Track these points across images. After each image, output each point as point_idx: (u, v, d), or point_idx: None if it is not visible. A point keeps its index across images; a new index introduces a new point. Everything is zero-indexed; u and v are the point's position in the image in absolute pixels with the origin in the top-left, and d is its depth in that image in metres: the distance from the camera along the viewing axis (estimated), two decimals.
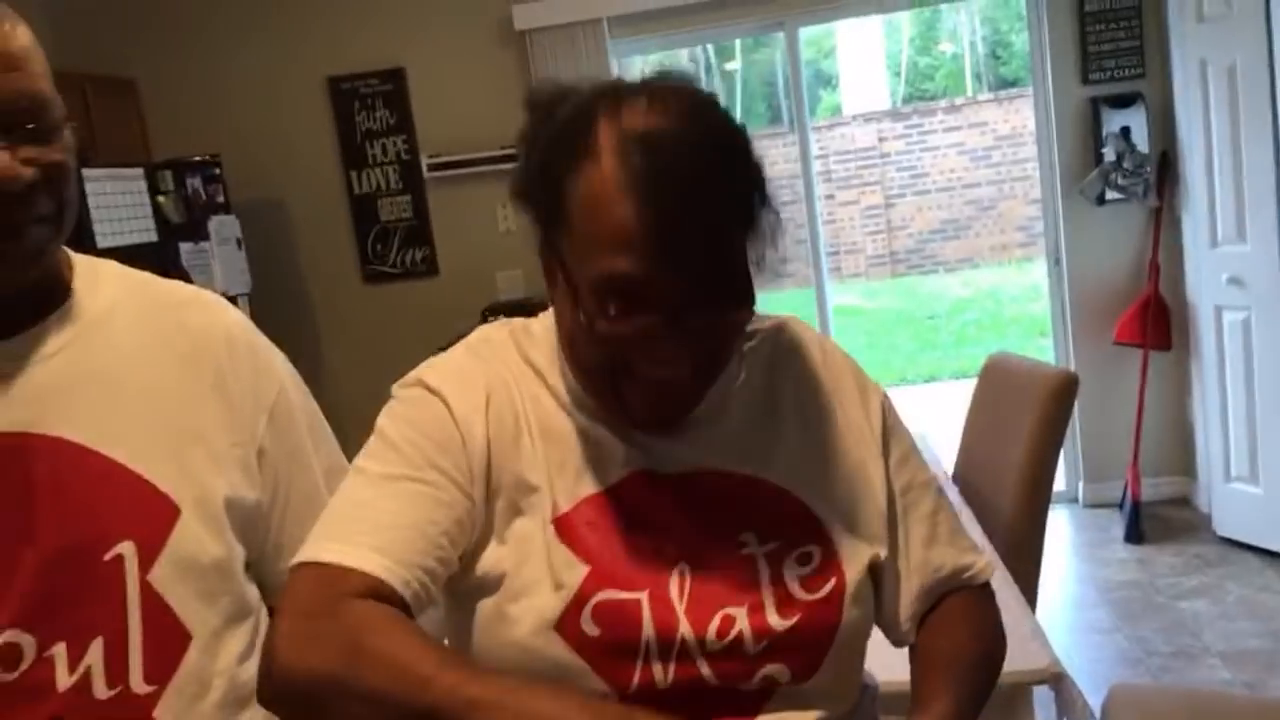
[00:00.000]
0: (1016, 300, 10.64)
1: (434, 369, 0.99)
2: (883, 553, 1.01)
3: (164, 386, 1.01)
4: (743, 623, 0.92)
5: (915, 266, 12.37)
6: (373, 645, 0.79)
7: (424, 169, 4.50)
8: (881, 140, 12.24)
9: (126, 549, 0.95)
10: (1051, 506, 2.55)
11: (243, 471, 1.03)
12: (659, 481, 0.96)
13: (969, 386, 3.05)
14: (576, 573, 0.91)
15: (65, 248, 1.05)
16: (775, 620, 0.93)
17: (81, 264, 1.05)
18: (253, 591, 1.05)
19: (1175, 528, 4.27)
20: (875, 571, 1.01)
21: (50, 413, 0.96)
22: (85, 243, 3.25)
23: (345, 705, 0.78)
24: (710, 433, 0.99)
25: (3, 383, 0.96)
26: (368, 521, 0.88)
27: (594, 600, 0.90)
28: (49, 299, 1.01)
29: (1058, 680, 1.88)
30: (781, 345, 1.07)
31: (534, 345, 1.02)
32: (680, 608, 0.91)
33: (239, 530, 1.01)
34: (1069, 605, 3.73)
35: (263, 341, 1.11)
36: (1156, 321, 4.24)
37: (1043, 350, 4.45)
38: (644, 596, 0.91)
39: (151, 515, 0.97)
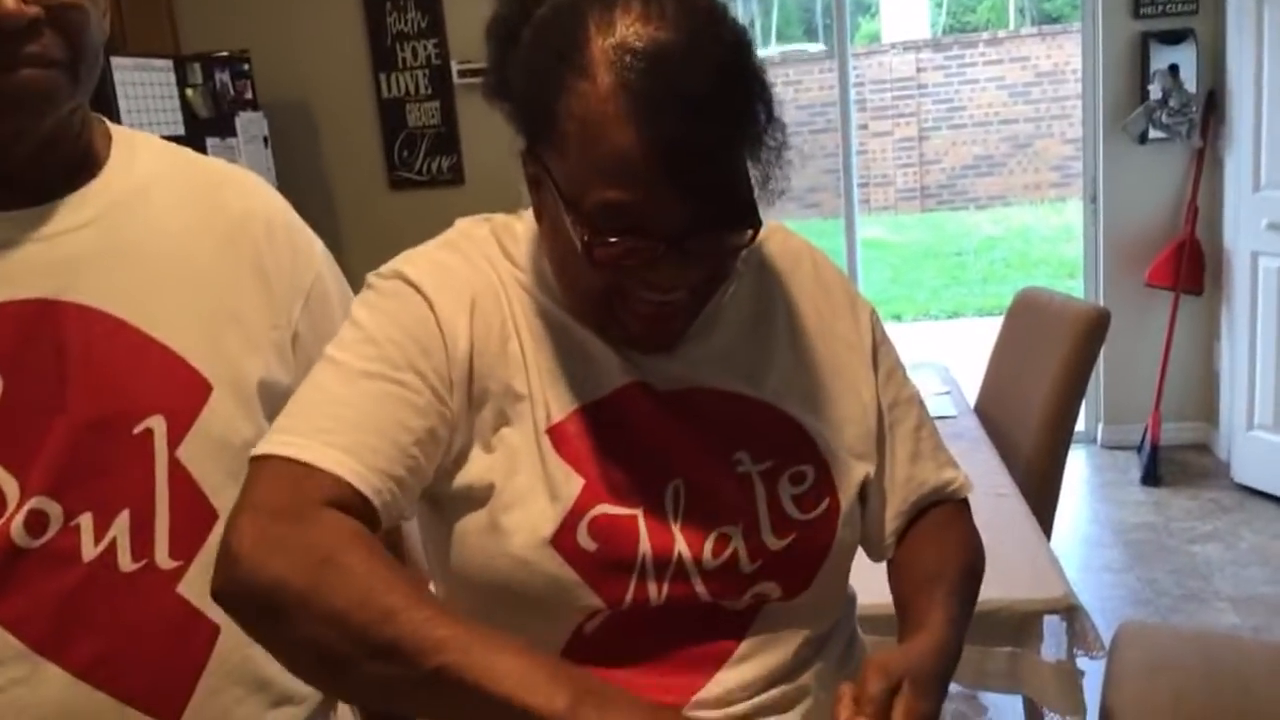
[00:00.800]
0: (1047, 240, 10.50)
1: (415, 263, 0.93)
2: (871, 471, 1.00)
3: (201, 265, 1.00)
4: (738, 542, 0.91)
5: (945, 202, 12.21)
6: (341, 564, 0.74)
7: (454, 75, 4.43)
8: (920, 71, 12.00)
9: (156, 423, 0.94)
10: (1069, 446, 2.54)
11: (278, 355, 1.02)
12: (654, 397, 0.93)
13: (993, 324, 3.02)
14: (573, 485, 0.89)
15: (104, 120, 1.03)
16: (771, 540, 0.92)
17: (120, 136, 1.03)
18: None
19: (1193, 473, 4.26)
20: (864, 489, 1.00)
21: (82, 282, 0.95)
22: None
23: (304, 622, 0.74)
24: (703, 349, 0.96)
25: (33, 249, 0.94)
26: (340, 420, 0.84)
27: (590, 514, 0.88)
28: (82, 168, 0.99)
29: (1071, 611, 1.88)
30: (771, 255, 1.03)
31: (518, 246, 0.96)
32: (675, 527, 0.90)
33: (270, 414, 1.00)
34: (1082, 544, 3.73)
35: (300, 225, 1.10)
36: (1190, 265, 4.18)
37: (1070, 290, 4.40)
38: (639, 514, 0.89)
39: (183, 391, 0.96)
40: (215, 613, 0.95)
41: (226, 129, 3.82)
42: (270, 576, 0.75)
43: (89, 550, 0.92)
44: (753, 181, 0.86)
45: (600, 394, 0.92)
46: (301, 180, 4.43)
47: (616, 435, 0.91)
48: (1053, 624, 1.89)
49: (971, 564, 1.03)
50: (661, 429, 0.93)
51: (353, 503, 0.81)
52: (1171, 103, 4.13)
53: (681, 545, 0.90)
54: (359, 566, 0.75)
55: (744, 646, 0.92)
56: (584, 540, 0.88)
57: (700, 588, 0.90)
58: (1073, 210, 6.65)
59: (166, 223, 1.00)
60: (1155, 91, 4.16)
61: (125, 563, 0.94)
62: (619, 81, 0.79)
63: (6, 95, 0.88)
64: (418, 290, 0.90)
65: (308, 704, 1.05)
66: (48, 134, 0.94)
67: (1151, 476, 4.17)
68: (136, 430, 0.94)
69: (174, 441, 0.95)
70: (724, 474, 0.93)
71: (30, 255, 0.94)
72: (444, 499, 0.92)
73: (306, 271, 1.07)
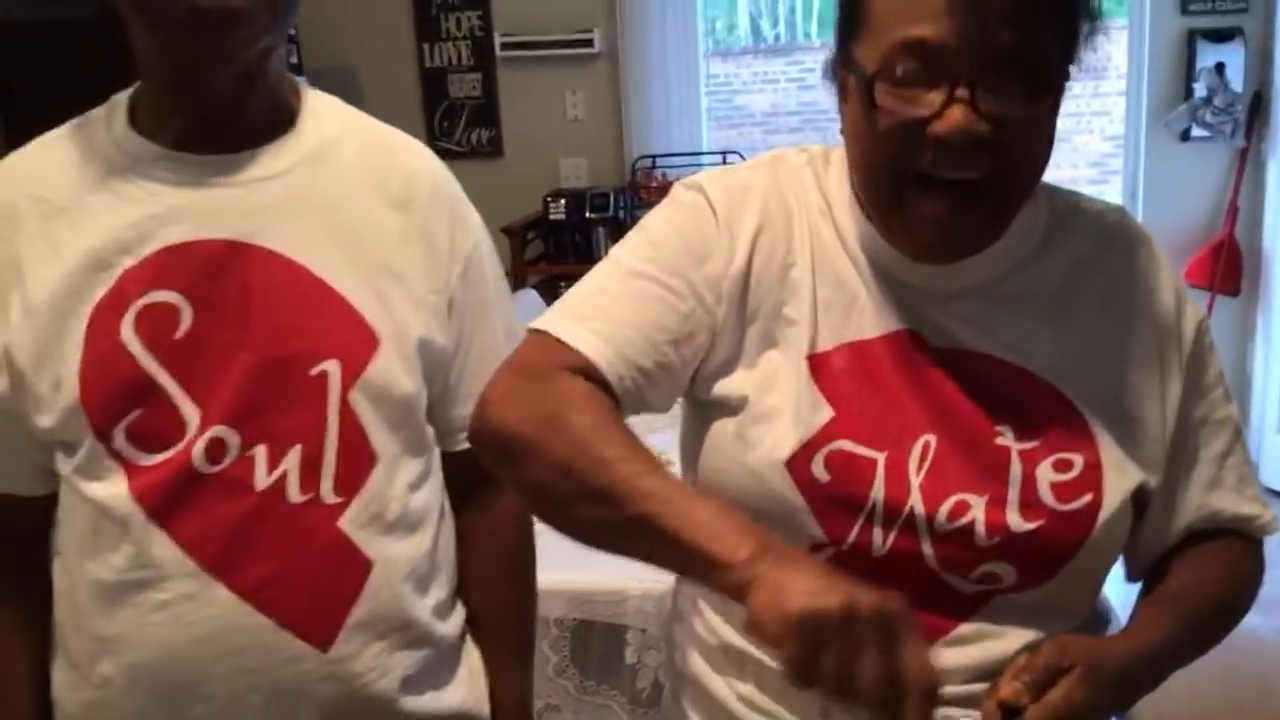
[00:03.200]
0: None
1: (720, 180, 0.97)
2: (1154, 481, 0.94)
3: (376, 223, 1.04)
4: (978, 512, 0.88)
5: None
6: (570, 419, 0.82)
7: (497, 47, 4.45)
8: None
9: (332, 367, 0.99)
10: None
11: (436, 317, 1.07)
12: (926, 350, 0.92)
13: None
14: (821, 414, 0.90)
15: (295, 78, 1.09)
16: (1015, 520, 0.88)
17: (309, 94, 1.09)
18: (429, 430, 1.09)
19: None
20: (1140, 497, 0.93)
21: (273, 227, 1.00)
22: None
23: (534, 466, 0.83)
24: (996, 310, 0.92)
25: (230, 193, 1.00)
26: (602, 310, 0.91)
27: (830, 446, 0.89)
28: (278, 120, 1.04)
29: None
30: (1104, 233, 0.97)
31: (830, 175, 0.98)
32: (916, 480, 0.88)
33: (425, 372, 1.05)
34: None
35: (462, 195, 1.14)
36: (1228, 265, 4.14)
37: None
38: (881, 458, 0.89)
39: (356, 340, 1.01)
40: (371, 549, 1.01)
41: None
42: (508, 424, 0.85)
43: (261, 480, 0.98)
44: (1058, 56, 0.85)
45: (871, 334, 0.92)
46: None
47: (878, 377, 0.91)
48: (1102, 598, 1.90)
49: (1229, 599, 0.98)
50: (926, 383, 0.91)
51: (594, 380, 0.88)
52: (1216, 101, 4.09)
53: (916, 499, 0.88)
54: (585, 420, 0.82)
55: (964, 629, 0.90)
56: (818, 470, 0.89)
57: (928, 549, 0.88)
58: None
59: (348, 179, 1.05)
60: (1200, 89, 4.12)
61: (294, 494, 0.99)
62: None
63: (209, 13, 0.92)
64: (710, 205, 0.95)
65: (440, 647, 1.10)
66: (247, 70, 0.98)
67: None
68: (313, 372, 0.99)
69: (346, 385, 1.00)
70: (981, 443, 0.90)
71: (227, 198, 1.00)
72: (703, 402, 0.96)
73: (466, 240, 1.11)
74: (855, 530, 0.89)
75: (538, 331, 0.92)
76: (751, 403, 0.92)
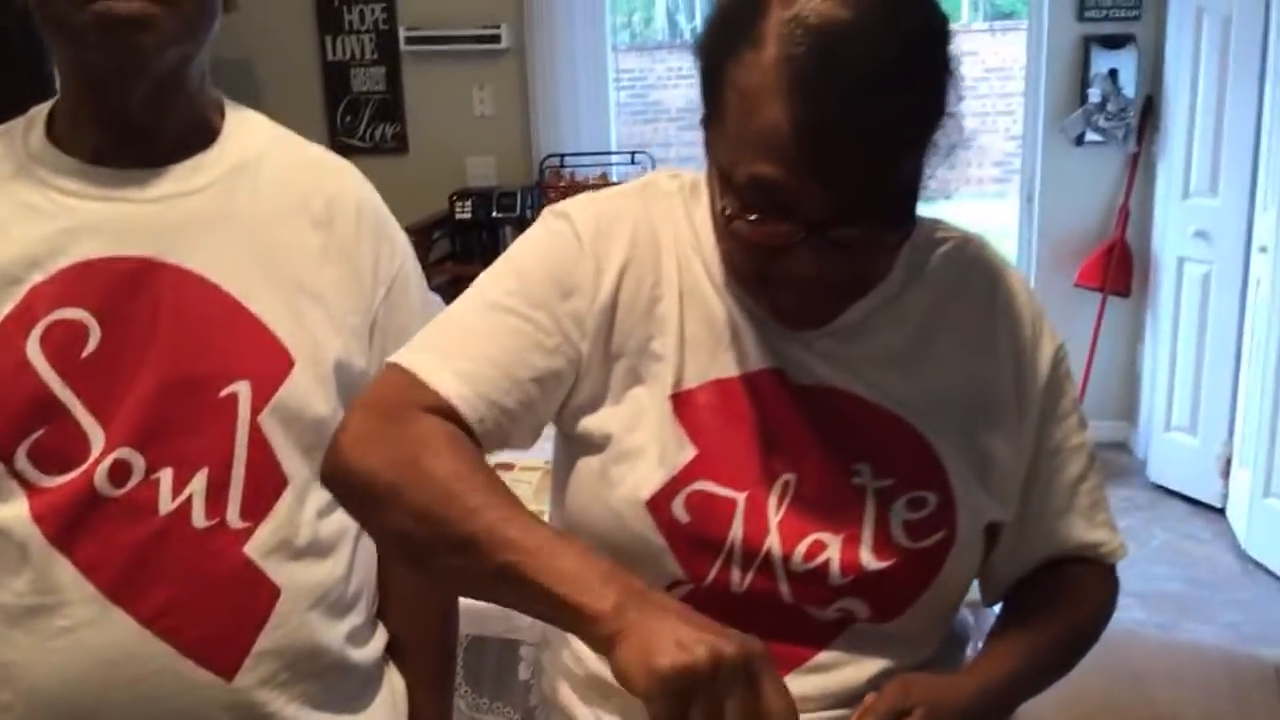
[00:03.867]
0: (987, 236, 10.63)
1: (588, 208, 0.94)
2: (1006, 515, 0.95)
3: (295, 243, 1.03)
4: (833, 552, 0.89)
5: None
6: (429, 464, 0.80)
7: (401, 41, 4.38)
8: None
9: (242, 388, 0.98)
10: None
11: (355, 339, 1.05)
12: (789, 389, 0.91)
13: None
14: (684, 453, 0.89)
15: (220, 94, 1.07)
16: (868, 559, 0.89)
17: (233, 110, 1.07)
18: None
19: (1110, 470, 4.37)
20: (992, 530, 0.95)
21: (187, 245, 0.99)
22: (46, 89, 3.16)
23: (393, 514, 0.81)
24: (856, 349, 0.92)
25: (145, 209, 0.98)
26: (464, 346, 0.89)
27: (691, 487, 0.89)
28: (198, 135, 1.03)
29: (976, 607, 1.94)
30: (962, 265, 0.98)
31: (699, 209, 0.95)
32: (774, 520, 0.89)
33: (343, 394, 1.03)
34: None
35: (388, 215, 1.13)
36: (1119, 267, 4.27)
37: None
38: (741, 498, 0.89)
39: (268, 361, 0.99)
40: (279, 575, 0.99)
41: None
42: (366, 469, 0.82)
43: (166, 504, 0.96)
44: (914, 180, 0.83)
45: (737, 371, 0.92)
46: None
47: (742, 415, 0.91)
48: (960, 617, 1.94)
49: (1079, 627, 0.99)
50: (788, 421, 0.91)
51: (455, 421, 0.85)
52: (1109, 107, 4.21)
53: (774, 539, 0.89)
54: (445, 466, 0.80)
55: (822, 656, 0.91)
56: (679, 511, 0.88)
57: (785, 588, 0.89)
58: (1012, 207, 6.78)
59: (268, 198, 1.03)
60: (1094, 95, 4.24)
61: (199, 519, 0.97)
62: (783, 54, 0.76)
63: (113, 20, 0.90)
64: (577, 235, 0.92)
65: (355, 673, 1.08)
66: (161, 81, 0.97)
67: None
68: (223, 393, 0.97)
69: (257, 408, 0.98)
70: (838, 481, 0.91)
71: (142, 215, 0.98)
72: (569, 437, 0.95)
73: (391, 263, 1.10)
74: (714, 570, 0.89)
75: (396, 367, 0.89)
76: (615, 440, 0.91)
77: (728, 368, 0.92)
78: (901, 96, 0.76)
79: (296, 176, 1.06)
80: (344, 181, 1.10)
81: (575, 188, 3.95)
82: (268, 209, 1.03)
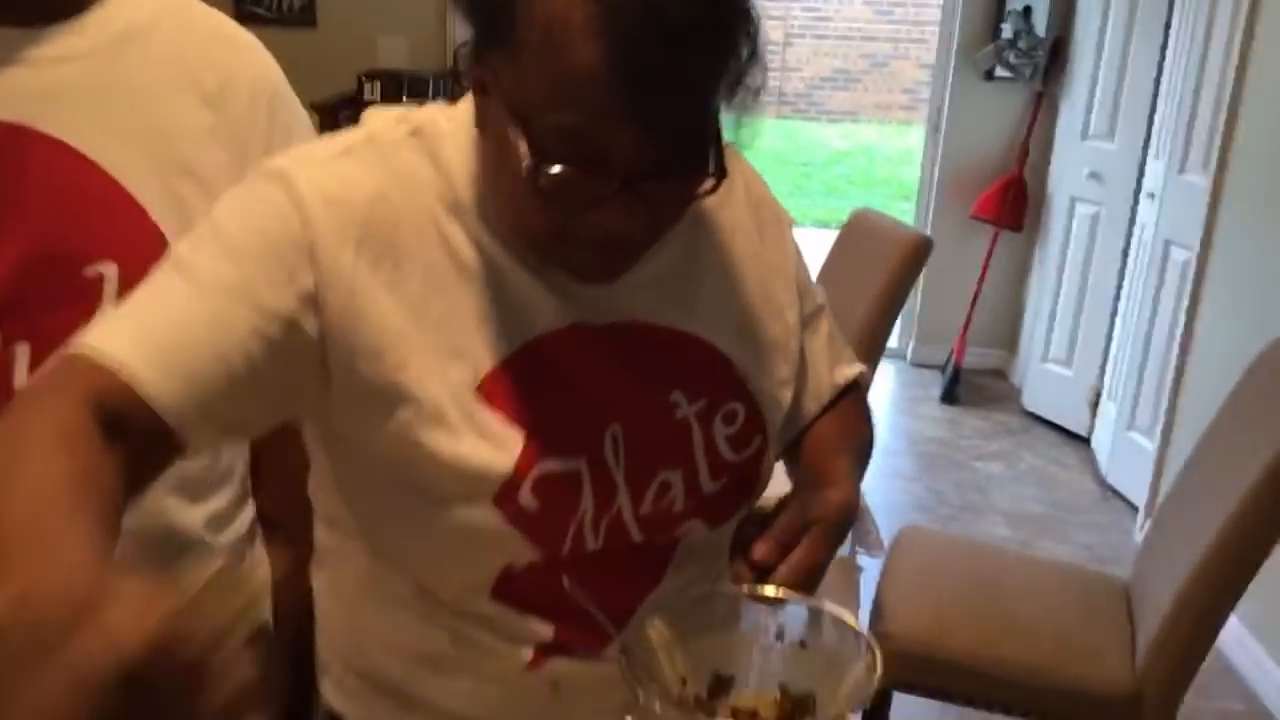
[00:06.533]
0: (890, 161, 10.82)
1: (307, 170, 0.81)
2: (791, 395, 0.98)
3: (177, 119, 0.97)
4: (678, 489, 0.89)
5: (800, 111, 12.36)
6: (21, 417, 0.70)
7: None
8: None
9: (108, 269, 0.92)
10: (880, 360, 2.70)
11: None
12: (590, 334, 0.87)
13: (828, 236, 3.13)
14: (512, 443, 0.83)
15: None
16: (708, 485, 0.90)
17: None
18: None
19: (989, 396, 4.57)
20: (789, 415, 0.99)
21: (61, 113, 0.92)
22: None
23: None
24: (638, 277, 0.87)
25: (17, 71, 0.91)
26: (166, 331, 0.77)
27: (533, 475, 0.83)
28: None
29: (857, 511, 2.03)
30: None
31: (449, 154, 0.84)
32: (620, 477, 0.87)
33: None
34: (880, 452, 3.93)
35: (290, 100, 1.06)
36: (1015, 203, 4.41)
37: (904, 214, 4.58)
38: (582, 465, 0.85)
39: (139, 241, 0.93)
40: None
41: None
42: None
43: (21, 380, 0.91)
44: (720, 127, 0.78)
45: (532, 336, 0.85)
46: None
47: (551, 380, 0.85)
48: None
49: (869, 439, 1.06)
50: (597, 371, 0.87)
51: (137, 414, 0.74)
52: (1020, 44, 4.29)
53: (624, 496, 0.87)
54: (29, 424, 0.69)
55: (665, 584, 0.92)
56: (526, 500, 0.83)
57: (635, 531, 0.89)
58: (917, 134, 6.88)
59: (155, 70, 0.96)
60: (1007, 30, 4.32)
61: None
62: None
63: None
64: (298, 207, 0.79)
65: (215, 555, 1.05)
66: None
67: (950, 395, 4.47)
68: (88, 272, 0.92)
69: (123, 289, 0.92)
70: (663, 418, 0.89)
71: (15, 77, 0.90)
72: (358, 449, 0.85)
73: (284, 146, 1.02)
74: (569, 539, 0.86)
75: (76, 348, 0.75)
76: (425, 457, 0.82)
77: (522, 336, 0.85)
78: (716, 40, 0.74)
79: (190, 49, 0.99)
80: (243, 58, 1.03)
81: None
82: (154, 82, 0.96)
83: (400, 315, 0.81)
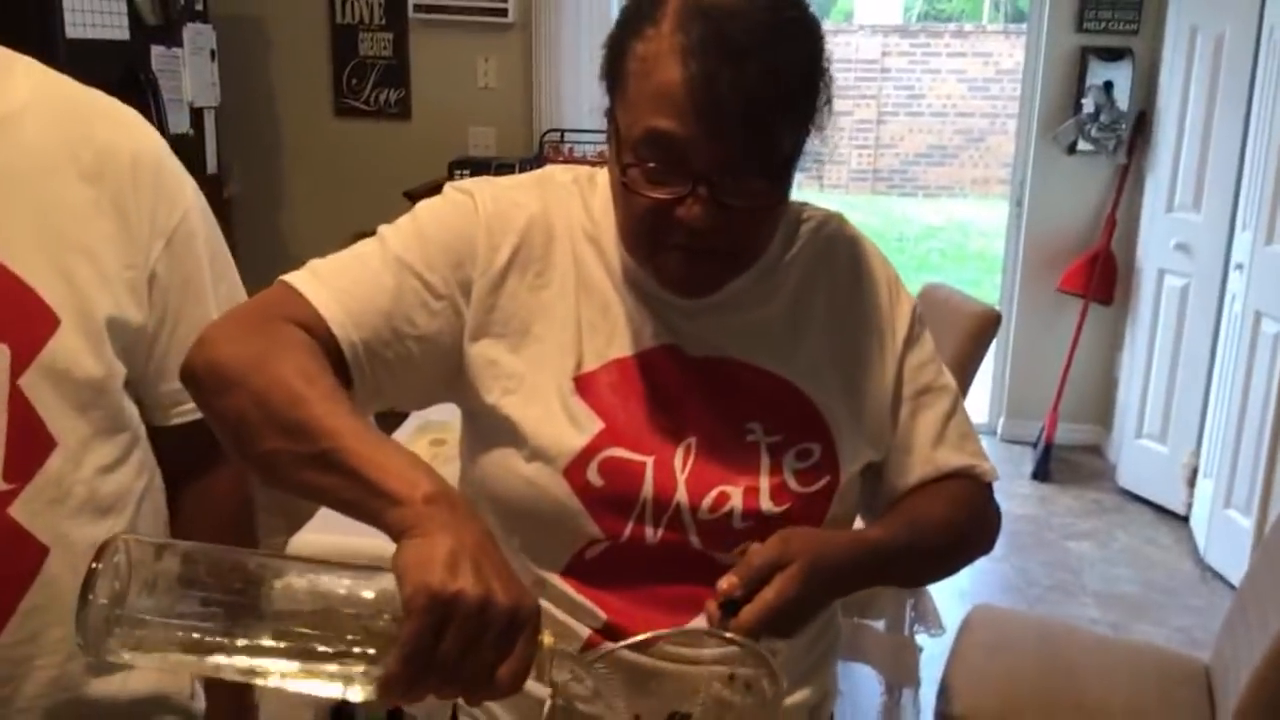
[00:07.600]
0: (985, 235, 10.70)
1: (489, 189, 1.03)
2: (880, 455, 1.06)
3: (60, 197, 0.99)
4: (736, 501, 0.97)
5: (896, 187, 12.36)
6: (280, 356, 0.86)
7: (410, 8, 4.42)
8: (884, 55, 12.09)
9: (0, 352, 0.94)
10: None
11: (130, 294, 1.02)
12: (684, 361, 1.01)
13: None
14: (592, 426, 0.97)
15: None
16: (767, 505, 0.98)
17: (1, 57, 1.01)
18: (131, 408, 1.06)
19: (1082, 473, 4.45)
20: (868, 469, 1.06)
21: None
22: (53, 32, 3.20)
23: (234, 396, 0.86)
24: (741, 319, 1.02)
25: None
26: (357, 284, 0.95)
27: (603, 454, 0.96)
28: None
29: (917, 591, 2.02)
30: (824, 240, 1.09)
31: (595, 199, 1.04)
32: (681, 477, 0.97)
33: (120, 350, 1.02)
34: None
35: (174, 166, 1.09)
36: (1103, 275, 4.34)
37: (995, 288, 4.55)
38: (650, 461, 0.97)
39: (30, 322, 0.95)
40: (47, 535, 0.98)
41: (173, 38, 3.78)
42: (222, 356, 0.88)
43: None
44: (791, 150, 0.93)
45: (634, 350, 1.00)
46: (246, 97, 4.41)
47: (642, 389, 0.99)
48: (900, 601, 2.02)
49: (960, 528, 1.07)
50: (685, 390, 1.00)
51: (327, 345, 0.91)
52: (1103, 118, 4.27)
53: (682, 494, 0.97)
54: (291, 362, 0.86)
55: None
56: (593, 476, 0.96)
57: (694, 537, 0.97)
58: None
59: (32, 150, 0.98)
60: (1089, 105, 4.30)
61: None
62: (680, 26, 0.88)
63: None
64: (478, 210, 1.01)
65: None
66: None
67: (1042, 472, 4.36)
68: None
69: (16, 371, 0.95)
70: (735, 439, 1.00)
71: None
72: (476, 415, 1.01)
73: (172, 213, 1.06)
74: (629, 527, 0.97)
75: (282, 283, 0.96)
76: (518, 422, 0.98)
77: (624, 348, 1.01)
78: (773, 65, 0.88)
79: (65, 128, 1.01)
80: (119, 132, 1.04)
81: (574, 162, 4.00)
82: (32, 163, 0.97)
83: (530, 311, 1.00)
